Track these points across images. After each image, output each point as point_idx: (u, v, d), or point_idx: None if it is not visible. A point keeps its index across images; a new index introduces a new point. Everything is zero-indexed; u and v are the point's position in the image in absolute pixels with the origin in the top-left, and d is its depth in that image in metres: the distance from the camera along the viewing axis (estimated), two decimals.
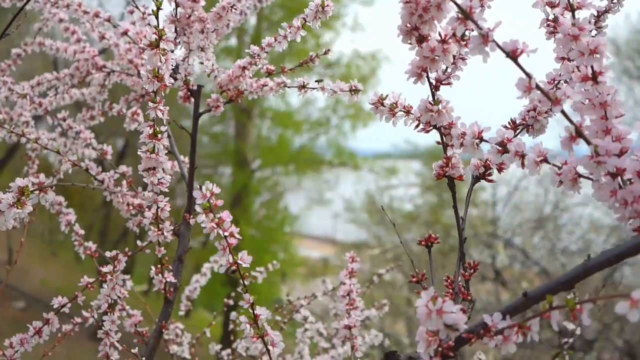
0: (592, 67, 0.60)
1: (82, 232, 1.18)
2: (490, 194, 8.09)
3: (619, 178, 0.58)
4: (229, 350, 1.47)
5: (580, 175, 0.61)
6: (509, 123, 0.77)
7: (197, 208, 0.69)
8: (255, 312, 0.72)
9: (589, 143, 0.57)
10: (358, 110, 11.63)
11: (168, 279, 1.06)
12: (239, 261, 0.70)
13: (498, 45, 0.56)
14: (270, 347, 0.72)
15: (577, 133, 0.58)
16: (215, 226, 0.69)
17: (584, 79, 0.61)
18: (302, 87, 1.04)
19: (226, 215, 0.70)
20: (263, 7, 1.27)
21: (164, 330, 1.08)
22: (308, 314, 1.46)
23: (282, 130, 11.57)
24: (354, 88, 0.94)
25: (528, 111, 0.77)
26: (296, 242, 11.69)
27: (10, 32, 0.72)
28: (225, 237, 0.70)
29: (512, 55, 0.56)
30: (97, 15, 1.16)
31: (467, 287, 0.70)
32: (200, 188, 0.69)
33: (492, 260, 6.20)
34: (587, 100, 0.62)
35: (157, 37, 0.77)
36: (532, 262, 6.21)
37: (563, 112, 0.57)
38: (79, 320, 1.20)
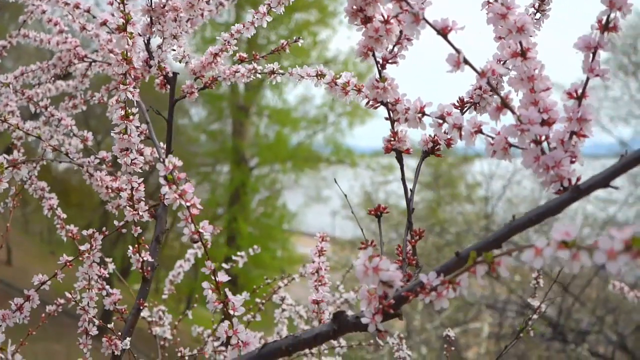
0: (520, 44, 0.65)
1: (64, 215, 1.22)
2: (485, 189, 8.15)
3: (544, 145, 0.63)
4: (209, 331, 1.53)
5: (510, 145, 0.65)
6: (457, 101, 0.82)
7: (161, 180, 0.74)
8: (217, 279, 0.77)
9: (513, 113, 0.62)
10: (355, 107, 11.68)
11: (145, 258, 1.11)
12: (200, 230, 0.75)
13: (429, 23, 0.61)
14: (231, 312, 0.76)
15: (503, 104, 0.62)
16: (177, 197, 0.74)
17: (513, 55, 0.65)
18: (272, 72, 1.09)
19: (188, 187, 0.75)
20: None
21: (141, 307, 1.12)
22: (286, 295, 1.51)
23: (280, 128, 11.61)
24: (319, 73, 0.98)
25: (475, 89, 0.81)
26: (294, 240, 11.73)
27: None
28: (188, 207, 0.74)
29: (443, 32, 0.61)
30: (77, 6, 1.20)
31: (414, 253, 0.74)
32: (164, 162, 0.73)
33: None
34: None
35: (124, 21, 0.81)
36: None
37: (489, 84, 0.62)
38: (62, 301, 1.25)
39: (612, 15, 0.62)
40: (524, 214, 0.60)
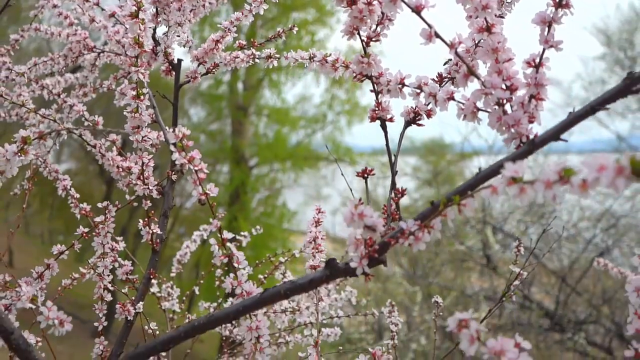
0: (486, 20, 0.74)
1: (77, 195, 1.31)
2: None
3: (507, 107, 0.72)
4: (215, 304, 1.62)
5: (478, 109, 0.75)
6: (436, 76, 0.91)
7: (174, 150, 0.83)
8: (222, 236, 0.86)
9: (478, 79, 0.71)
10: (354, 106, 11.79)
11: (155, 231, 1.20)
12: (207, 191, 0.84)
13: (404, 2, 0.70)
14: (235, 265, 0.86)
15: (469, 71, 0.71)
16: (187, 162, 0.83)
17: (480, 31, 0.75)
18: (269, 57, 1.18)
19: (196, 154, 0.84)
20: None
21: (151, 276, 1.21)
22: (287, 271, 1.60)
23: (279, 127, 11.70)
24: (312, 56, 1.07)
25: (452, 66, 0.90)
26: (294, 239, 11.80)
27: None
28: (196, 171, 0.84)
29: (416, 9, 0.70)
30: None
31: (397, 209, 0.84)
32: (174, 130, 0.83)
33: (482, 246, 6.35)
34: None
35: (136, 8, 0.90)
36: (524, 248, 6.36)
37: (457, 54, 0.71)
38: (76, 275, 1.34)
39: None
40: (487, 167, 0.69)
